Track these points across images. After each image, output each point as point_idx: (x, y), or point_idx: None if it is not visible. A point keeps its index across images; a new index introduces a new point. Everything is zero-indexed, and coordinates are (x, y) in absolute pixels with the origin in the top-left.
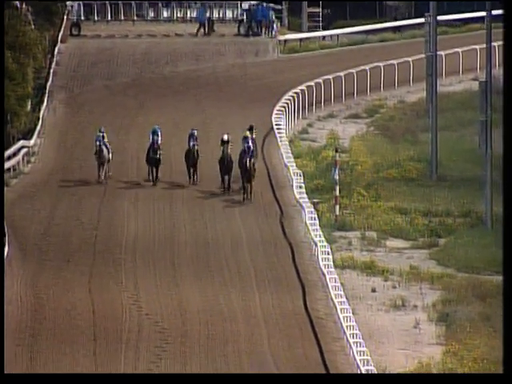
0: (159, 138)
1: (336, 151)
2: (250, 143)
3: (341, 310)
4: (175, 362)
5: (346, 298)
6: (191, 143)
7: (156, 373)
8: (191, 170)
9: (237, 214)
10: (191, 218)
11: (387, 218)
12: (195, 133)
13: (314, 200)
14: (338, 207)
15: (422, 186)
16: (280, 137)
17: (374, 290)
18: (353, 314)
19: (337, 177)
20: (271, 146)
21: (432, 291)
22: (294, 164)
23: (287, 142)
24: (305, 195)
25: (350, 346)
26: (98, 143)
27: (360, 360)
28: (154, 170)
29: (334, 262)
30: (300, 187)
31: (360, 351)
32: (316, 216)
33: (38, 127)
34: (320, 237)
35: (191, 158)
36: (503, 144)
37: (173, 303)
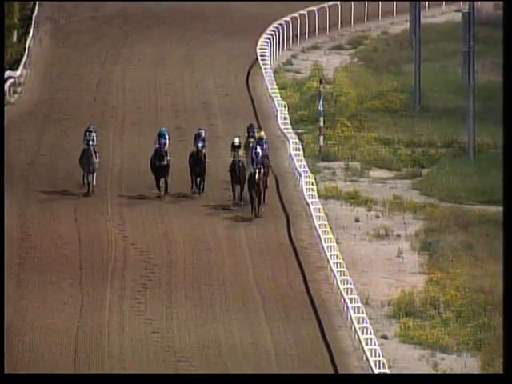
0: (167, 142)
1: (320, 82)
2: (259, 149)
3: (325, 239)
4: (160, 290)
5: (330, 228)
6: (199, 144)
7: (156, 372)
8: (198, 179)
9: (221, 143)
10: (176, 149)
11: (371, 149)
12: (203, 133)
13: (299, 131)
14: (322, 138)
15: (405, 116)
16: (265, 68)
17: (357, 220)
18: (336, 243)
19: (321, 108)
20: (256, 77)
21: (415, 221)
22: (279, 95)
23: (272, 73)
24: (289, 126)
25: (334, 275)
26: (86, 145)
27: (344, 289)
28: (163, 179)
29: (318, 192)
30: (284, 118)
31: (344, 280)
32: (300, 147)
33: (24, 58)
34: (304, 167)
35: (198, 163)
36: (503, 142)
37: (158, 233)
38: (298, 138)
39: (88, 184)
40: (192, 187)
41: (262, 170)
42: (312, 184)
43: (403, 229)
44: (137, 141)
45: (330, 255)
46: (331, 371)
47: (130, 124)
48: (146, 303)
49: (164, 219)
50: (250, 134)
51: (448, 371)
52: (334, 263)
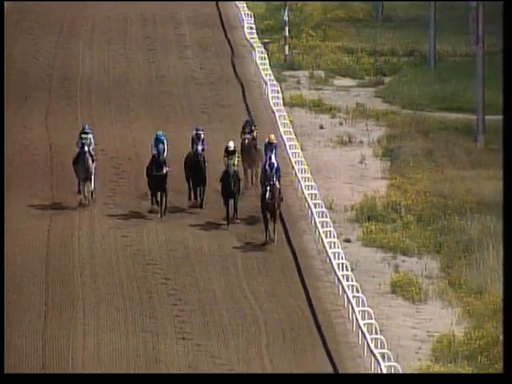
0: (165, 148)
1: None
2: (274, 159)
3: (289, 146)
4: (130, 195)
5: (295, 135)
6: (199, 147)
7: (156, 373)
8: (197, 189)
9: (189, 52)
10: (145, 58)
11: (335, 58)
12: (202, 134)
13: (265, 40)
14: (287, 47)
15: (368, 26)
16: None
17: (321, 127)
18: (301, 150)
19: (286, 18)
20: None
21: (377, 128)
22: (245, 5)
23: None
24: (255, 36)
25: (299, 180)
26: (80, 149)
27: (308, 194)
28: (160, 194)
29: (283, 100)
30: (251, 28)
31: (308, 186)
32: (266, 56)
33: None
34: (270, 76)
35: (197, 169)
36: (503, 141)
37: (126, 138)
38: (264, 48)
39: (84, 192)
40: (190, 198)
41: (277, 185)
42: (277, 92)
43: (366, 135)
44: (106, 49)
45: (295, 161)
46: (295, 273)
47: (99, 33)
48: (116, 207)
49: (133, 126)
50: (247, 130)
51: (409, 273)
52: (298, 169)
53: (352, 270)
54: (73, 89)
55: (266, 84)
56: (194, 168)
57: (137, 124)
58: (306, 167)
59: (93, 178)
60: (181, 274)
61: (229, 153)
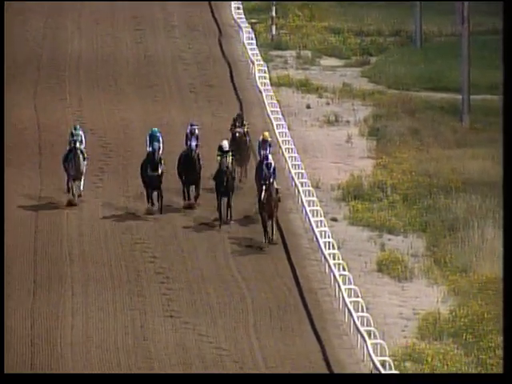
0: (161, 146)
1: None
2: (271, 160)
3: (277, 125)
4: (117, 175)
5: (282, 115)
6: (193, 143)
7: (155, 373)
8: (190, 187)
9: (176, 31)
10: (132, 38)
11: (321, 38)
12: (196, 129)
13: (252, 20)
14: (274, 27)
15: (354, 6)
16: None
17: (308, 107)
18: (288, 129)
19: None
20: None
21: (363, 107)
22: None
23: None
24: (242, 16)
25: (286, 160)
26: (72, 146)
27: (295, 173)
28: (156, 192)
29: (270, 79)
30: (238, 8)
31: (295, 165)
32: (253, 36)
33: None
34: (257, 56)
35: (190, 167)
36: (503, 143)
37: (115, 117)
38: (251, 28)
39: (73, 191)
40: (184, 198)
41: (275, 185)
42: (264, 72)
43: (352, 115)
44: (94, 29)
45: (282, 140)
46: (282, 252)
47: (87, 13)
48: (104, 187)
49: (121, 106)
50: (238, 124)
51: (395, 252)
52: (285, 148)
53: (338, 248)
54: (61, 68)
55: (253, 64)
56: (188, 166)
57: (125, 103)
58: (292, 146)
59: (83, 178)
60: (169, 253)
61: (223, 152)
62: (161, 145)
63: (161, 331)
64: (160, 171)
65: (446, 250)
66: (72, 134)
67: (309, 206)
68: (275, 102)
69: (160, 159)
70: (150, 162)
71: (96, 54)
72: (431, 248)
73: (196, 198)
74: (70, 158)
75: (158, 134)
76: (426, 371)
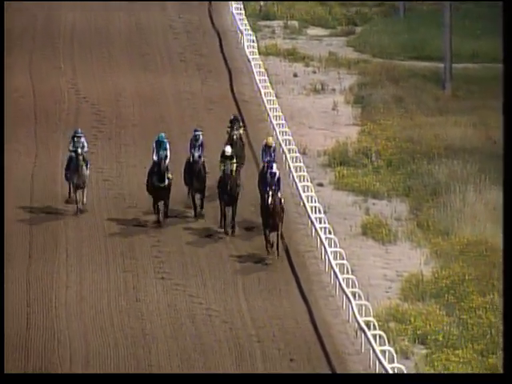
0: (168, 154)
1: None
2: (275, 169)
3: (265, 93)
4: (111, 141)
5: (270, 83)
6: (196, 154)
7: (155, 373)
8: (197, 197)
9: (167, 4)
10: (124, 9)
11: (308, 8)
12: (200, 136)
13: None
14: None
15: None
16: None
17: (295, 75)
18: (276, 97)
19: None
20: None
21: (349, 76)
22: None
23: None
24: None
25: (273, 127)
26: (73, 152)
27: (282, 140)
28: (162, 203)
29: (258, 49)
30: None
31: (282, 132)
32: (242, 6)
33: None
34: (246, 26)
35: (196, 177)
36: (503, 143)
37: (108, 85)
38: None
39: (76, 200)
40: (195, 209)
41: (279, 194)
42: (253, 41)
43: (338, 83)
44: (89, 1)
45: (270, 108)
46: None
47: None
48: (97, 153)
49: (114, 75)
50: (234, 127)
51: (379, 216)
52: (273, 116)
53: (325, 212)
54: (56, 38)
55: (242, 34)
56: (193, 174)
57: (117, 72)
58: (280, 114)
59: (85, 186)
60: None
61: (226, 158)
62: (168, 153)
63: (152, 292)
64: (167, 182)
65: (428, 213)
66: (73, 140)
67: (296, 171)
68: (263, 70)
69: (167, 168)
70: (157, 173)
71: (89, 24)
72: (414, 212)
73: (201, 206)
74: (72, 164)
75: (165, 141)
76: (409, 331)
